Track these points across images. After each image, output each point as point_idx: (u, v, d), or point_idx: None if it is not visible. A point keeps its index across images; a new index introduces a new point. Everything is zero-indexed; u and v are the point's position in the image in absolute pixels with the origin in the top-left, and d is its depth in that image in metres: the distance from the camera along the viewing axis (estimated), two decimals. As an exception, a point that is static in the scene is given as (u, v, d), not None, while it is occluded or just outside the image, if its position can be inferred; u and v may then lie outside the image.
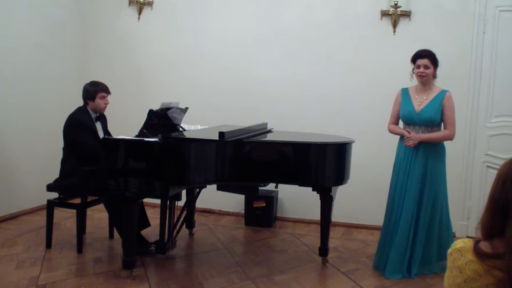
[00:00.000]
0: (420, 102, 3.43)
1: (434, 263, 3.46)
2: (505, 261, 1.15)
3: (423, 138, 3.38)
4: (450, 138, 3.43)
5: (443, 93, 3.42)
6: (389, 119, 3.62)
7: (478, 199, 4.34)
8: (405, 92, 3.54)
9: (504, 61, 4.24)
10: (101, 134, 3.73)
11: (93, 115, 3.73)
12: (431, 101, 3.41)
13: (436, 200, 3.43)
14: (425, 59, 3.38)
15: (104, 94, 3.70)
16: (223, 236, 4.26)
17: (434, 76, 3.45)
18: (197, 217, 4.45)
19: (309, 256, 3.81)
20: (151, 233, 4.14)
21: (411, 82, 3.56)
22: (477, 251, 1.20)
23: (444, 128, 3.44)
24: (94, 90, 3.67)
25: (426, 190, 3.40)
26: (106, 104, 3.74)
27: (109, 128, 3.94)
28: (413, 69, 3.48)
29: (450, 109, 3.40)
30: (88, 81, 3.78)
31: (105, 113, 3.88)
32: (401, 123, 3.60)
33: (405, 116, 3.47)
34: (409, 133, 3.41)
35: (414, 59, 3.45)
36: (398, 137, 3.58)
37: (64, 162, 3.66)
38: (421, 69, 3.38)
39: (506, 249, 1.16)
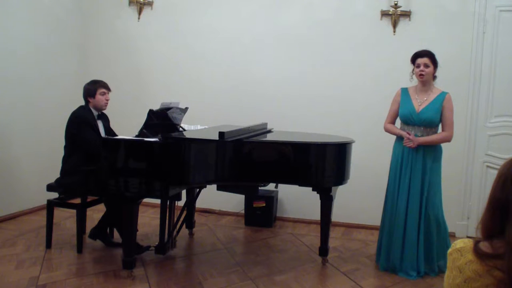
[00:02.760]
0: (420, 103, 3.42)
1: (435, 263, 3.45)
2: (505, 261, 1.15)
3: (423, 141, 3.38)
4: (448, 139, 3.43)
5: (443, 94, 3.42)
6: (386, 118, 3.61)
7: (478, 199, 4.34)
8: (404, 91, 3.53)
9: (504, 61, 4.23)
10: (102, 133, 3.74)
11: (95, 113, 3.73)
12: (432, 102, 3.40)
13: (434, 201, 3.42)
14: (425, 58, 3.38)
15: (104, 90, 3.72)
16: (223, 236, 4.26)
17: (434, 77, 3.45)
18: (197, 217, 4.45)
19: (309, 256, 3.81)
20: (151, 233, 4.15)
21: (411, 83, 3.56)
22: (477, 251, 1.20)
23: (443, 129, 3.44)
24: (94, 87, 3.70)
25: (425, 190, 3.40)
26: (107, 100, 3.75)
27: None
28: (412, 70, 3.48)
29: (450, 110, 3.40)
30: (87, 81, 3.79)
31: (105, 112, 3.88)
32: (397, 123, 3.59)
33: (404, 116, 3.46)
34: (409, 134, 3.41)
35: (413, 59, 3.45)
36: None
37: (65, 160, 3.66)
38: (421, 68, 3.38)
39: (506, 249, 1.16)
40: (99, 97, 3.69)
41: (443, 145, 3.49)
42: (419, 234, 3.39)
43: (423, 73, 3.38)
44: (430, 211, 3.41)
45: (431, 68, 3.39)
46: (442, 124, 3.43)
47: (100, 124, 3.77)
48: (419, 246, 3.39)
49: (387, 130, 3.61)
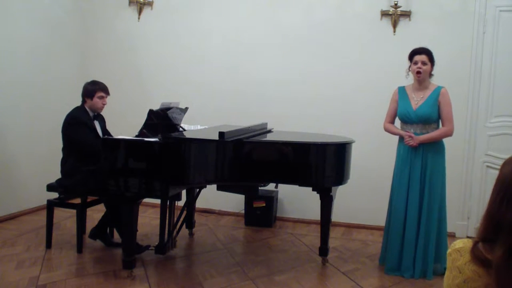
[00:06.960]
0: (417, 101, 3.41)
1: (431, 264, 3.39)
2: (493, 276, 1.13)
3: (423, 139, 3.36)
4: (449, 134, 3.41)
5: (438, 89, 3.40)
6: (385, 117, 3.61)
7: (478, 199, 4.34)
8: (402, 90, 3.52)
9: (504, 61, 4.23)
10: (99, 133, 3.73)
11: (91, 114, 3.73)
12: (427, 98, 3.39)
13: (436, 200, 3.39)
14: (423, 55, 3.37)
15: (102, 94, 3.71)
16: (223, 236, 4.26)
17: (431, 74, 3.45)
18: (197, 217, 4.45)
19: (309, 256, 3.81)
20: (151, 233, 4.15)
21: (407, 80, 3.55)
22: (474, 253, 1.20)
23: (442, 124, 3.42)
24: (94, 89, 3.69)
25: (427, 189, 3.37)
26: (104, 104, 3.74)
27: (109, 128, 3.94)
28: (409, 66, 3.47)
29: (446, 104, 3.37)
30: (88, 81, 3.79)
31: (105, 112, 3.88)
32: (397, 122, 3.58)
33: (402, 115, 3.45)
34: (409, 132, 3.40)
35: (411, 55, 3.44)
36: (397, 136, 3.57)
37: (64, 162, 3.66)
38: (419, 65, 3.36)
39: (494, 269, 1.13)
40: (96, 100, 3.68)
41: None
42: (418, 234, 3.37)
43: (420, 70, 3.36)
44: (431, 211, 3.38)
45: (428, 66, 3.38)
46: (441, 119, 3.41)
47: (96, 125, 3.76)
48: (418, 247, 3.37)
49: (386, 130, 3.61)
